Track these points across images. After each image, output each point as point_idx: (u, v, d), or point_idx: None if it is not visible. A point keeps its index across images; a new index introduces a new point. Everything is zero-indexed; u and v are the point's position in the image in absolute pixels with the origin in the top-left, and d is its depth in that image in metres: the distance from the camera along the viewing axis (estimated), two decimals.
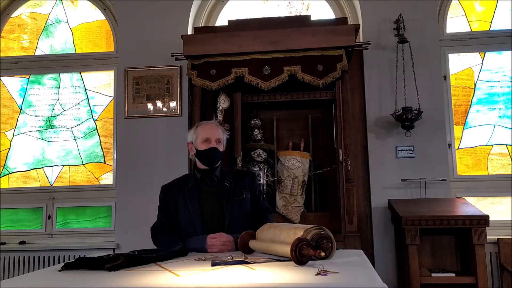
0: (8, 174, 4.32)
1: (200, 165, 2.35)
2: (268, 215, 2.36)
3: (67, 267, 1.51)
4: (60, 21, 4.48)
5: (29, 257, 3.97)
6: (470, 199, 3.65)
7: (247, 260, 1.59)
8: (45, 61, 4.39)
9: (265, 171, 3.69)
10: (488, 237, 3.15)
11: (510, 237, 3.63)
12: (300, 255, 1.45)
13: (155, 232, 2.31)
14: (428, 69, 3.80)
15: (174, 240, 2.16)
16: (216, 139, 2.30)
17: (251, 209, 2.33)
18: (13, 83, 4.43)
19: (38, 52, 4.44)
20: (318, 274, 1.28)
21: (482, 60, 4.04)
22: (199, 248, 2.04)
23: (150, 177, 3.86)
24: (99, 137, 4.29)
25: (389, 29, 3.84)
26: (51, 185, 4.26)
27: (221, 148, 2.33)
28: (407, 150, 3.74)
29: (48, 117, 4.35)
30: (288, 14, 4.26)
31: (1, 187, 4.25)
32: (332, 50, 3.40)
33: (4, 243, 4.07)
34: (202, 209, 2.26)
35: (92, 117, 4.32)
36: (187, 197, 2.28)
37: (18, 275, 3.58)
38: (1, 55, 4.40)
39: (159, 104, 3.99)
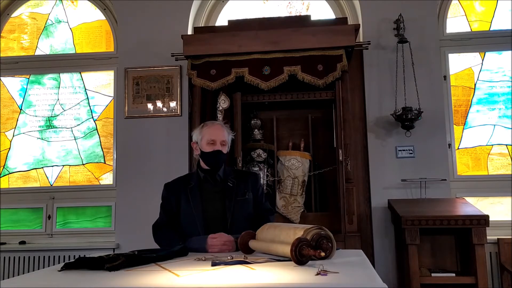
0: (8, 174, 4.32)
1: (203, 165, 2.35)
2: (270, 216, 2.37)
3: (67, 267, 1.51)
4: (60, 21, 4.48)
5: (29, 257, 3.97)
6: (470, 199, 3.65)
7: (247, 260, 1.59)
8: (45, 61, 4.39)
9: (265, 171, 3.69)
10: (488, 237, 3.15)
11: (510, 237, 3.63)
12: (300, 255, 1.45)
13: (157, 230, 2.31)
14: (428, 69, 3.80)
15: (175, 238, 2.17)
16: (221, 141, 2.30)
17: (253, 210, 2.33)
18: (13, 83, 4.43)
19: (38, 52, 4.44)
20: (318, 274, 1.28)
21: (482, 60, 4.04)
22: (199, 248, 2.05)
23: (150, 177, 3.86)
24: (99, 137, 4.29)
25: (389, 29, 3.84)
26: (51, 185, 4.26)
27: (226, 150, 2.33)
28: (407, 150, 3.74)
29: (48, 117, 4.35)
30: (288, 14, 4.26)
31: (1, 187, 4.25)
32: (332, 50, 3.39)
33: (4, 243, 4.07)
34: (204, 208, 2.26)
35: (92, 117, 4.32)
36: (190, 196, 2.28)
37: (18, 275, 3.58)
38: (1, 55, 4.40)
39: (159, 104, 3.99)
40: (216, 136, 2.30)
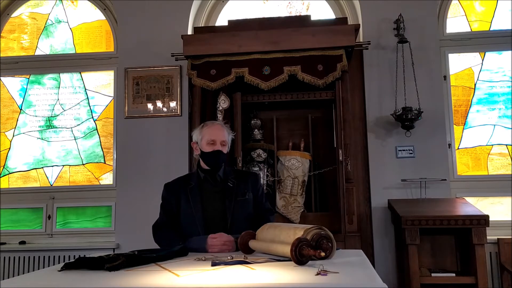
0: (8, 174, 4.32)
1: (204, 165, 2.35)
2: (270, 216, 2.37)
3: (67, 267, 1.51)
4: (60, 21, 4.48)
5: (29, 257, 3.97)
6: (470, 199, 3.65)
7: (247, 260, 1.59)
8: (45, 61, 4.39)
9: (265, 171, 3.69)
10: (488, 237, 3.15)
11: (510, 237, 3.63)
12: (300, 255, 1.45)
13: (157, 230, 2.31)
14: (428, 69, 3.80)
15: (175, 238, 2.17)
16: (221, 141, 2.30)
17: (253, 210, 2.33)
18: (13, 83, 4.43)
19: (38, 52, 4.44)
20: (318, 274, 1.28)
21: (482, 60, 4.04)
22: (199, 248, 2.05)
23: (150, 177, 3.86)
24: (99, 137, 4.29)
25: (389, 29, 3.84)
26: (51, 185, 4.26)
27: (226, 150, 2.33)
28: (407, 150, 3.74)
29: (48, 117, 4.35)
30: (288, 14, 4.26)
31: (1, 187, 4.25)
32: (332, 50, 3.39)
33: (4, 243, 4.07)
34: (204, 208, 2.26)
35: (92, 117, 4.32)
36: (190, 196, 2.28)
37: (18, 275, 3.58)
38: (1, 55, 4.40)
39: (159, 104, 3.99)
40: (216, 136, 2.30)
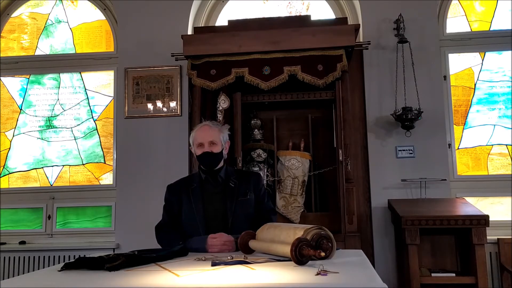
0: (8, 174, 4.32)
1: None
2: (272, 216, 2.37)
3: (67, 267, 1.51)
4: (60, 21, 4.48)
5: (29, 257, 3.97)
6: (470, 199, 3.65)
7: (247, 260, 1.59)
8: (45, 61, 4.39)
9: (265, 171, 3.69)
10: (488, 237, 3.15)
11: (510, 237, 3.63)
12: (300, 255, 1.45)
13: (159, 231, 2.32)
14: (428, 69, 3.80)
15: (175, 238, 2.18)
16: (209, 142, 2.28)
17: (255, 210, 2.33)
18: (13, 83, 4.43)
19: (38, 52, 4.44)
20: (318, 274, 1.28)
21: (482, 60, 4.04)
22: (199, 248, 2.05)
23: (150, 177, 3.86)
24: (99, 137, 4.29)
25: (389, 29, 3.84)
26: (51, 185, 4.26)
27: (218, 149, 2.30)
28: (407, 150, 3.74)
29: (48, 117, 4.35)
30: (288, 14, 4.26)
31: (1, 187, 4.25)
32: (332, 50, 3.39)
33: (4, 243, 4.07)
34: (205, 209, 2.27)
35: (92, 117, 4.32)
36: (192, 197, 2.29)
37: (18, 275, 3.58)
38: (1, 55, 4.40)
39: (159, 104, 3.99)
40: (202, 138, 2.29)
